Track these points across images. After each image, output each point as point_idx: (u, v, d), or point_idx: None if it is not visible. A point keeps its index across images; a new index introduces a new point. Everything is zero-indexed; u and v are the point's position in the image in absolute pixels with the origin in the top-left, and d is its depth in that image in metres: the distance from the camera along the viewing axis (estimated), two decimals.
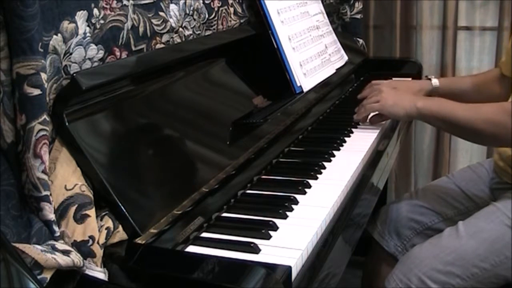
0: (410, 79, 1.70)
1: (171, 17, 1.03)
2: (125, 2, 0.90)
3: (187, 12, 1.09)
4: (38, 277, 0.60)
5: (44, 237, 0.66)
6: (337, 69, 1.57)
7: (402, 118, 1.30)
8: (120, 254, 0.72)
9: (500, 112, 1.15)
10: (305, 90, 1.33)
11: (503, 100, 1.28)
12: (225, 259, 0.72)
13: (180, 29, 1.06)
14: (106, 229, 0.71)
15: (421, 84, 1.51)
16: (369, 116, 1.34)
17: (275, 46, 1.30)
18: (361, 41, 1.96)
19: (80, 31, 0.80)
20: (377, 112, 1.32)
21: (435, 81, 1.49)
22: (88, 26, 0.82)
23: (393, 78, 1.63)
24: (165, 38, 1.02)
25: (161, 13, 1.00)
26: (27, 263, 0.60)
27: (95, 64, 0.84)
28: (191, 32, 1.10)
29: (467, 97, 1.40)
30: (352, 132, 1.30)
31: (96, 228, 0.70)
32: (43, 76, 0.68)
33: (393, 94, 1.31)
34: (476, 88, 1.49)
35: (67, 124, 0.74)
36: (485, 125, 1.17)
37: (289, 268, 0.69)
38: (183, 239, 0.77)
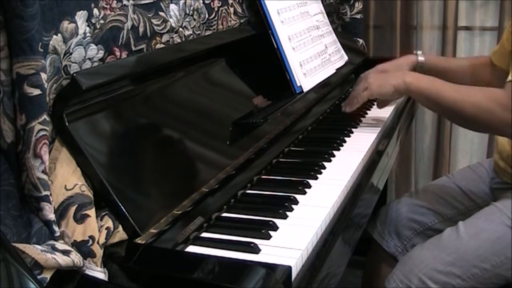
0: None
1: (171, 17, 1.03)
2: (125, 2, 0.90)
3: (187, 12, 1.09)
4: (38, 277, 0.60)
5: (44, 237, 0.66)
6: (337, 69, 1.57)
7: (392, 95, 1.30)
8: (120, 254, 0.72)
9: (487, 98, 1.14)
10: (305, 90, 1.33)
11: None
12: (225, 259, 0.71)
13: (180, 29, 1.06)
14: (106, 229, 0.71)
15: (407, 58, 1.52)
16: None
17: (275, 46, 1.30)
18: (361, 41, 1.96)
19: (80, 31, 0.80)
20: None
21: (420, 55, 1.51)
22: (88, 26, 0.82)
23: None
24: (165, 38, 1.01)
25: (161, 13, 1.00)
26: (27, 263, 0.60)
27: (95, 64, 0.84)
28: (191, 32, 1.10)
29: (455, 78, 1.39)
30: (352, 132, 1.30)
31: (96, 228, 0.70)
32: (43, 76, 0.67)
33: (379, 77, 1.32)
34: (465, 70, 1.49)
35: (67, 124, 0.74)
36: (472, 109, 1.16)
37: (289, 268, 0.69)
38: (183, 239, 0.77)
